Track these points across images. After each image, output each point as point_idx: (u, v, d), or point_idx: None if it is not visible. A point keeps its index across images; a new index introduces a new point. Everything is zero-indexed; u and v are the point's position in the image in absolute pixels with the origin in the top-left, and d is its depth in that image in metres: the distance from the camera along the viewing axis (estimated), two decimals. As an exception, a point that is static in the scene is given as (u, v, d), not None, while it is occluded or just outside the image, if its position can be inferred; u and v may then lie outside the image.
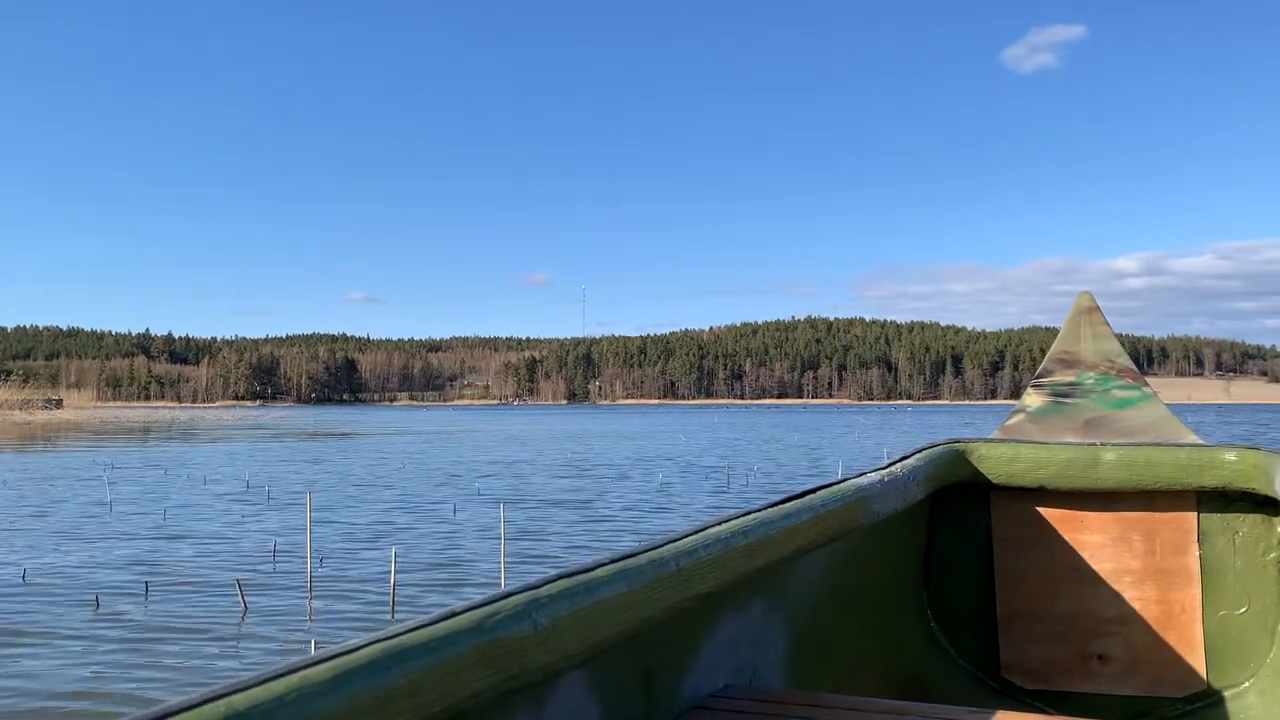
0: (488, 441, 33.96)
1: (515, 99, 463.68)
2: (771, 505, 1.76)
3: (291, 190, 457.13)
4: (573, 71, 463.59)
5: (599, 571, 1.25)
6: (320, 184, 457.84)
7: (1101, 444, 2.49)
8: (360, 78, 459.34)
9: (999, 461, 2.51)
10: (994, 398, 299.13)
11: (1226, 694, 2.35)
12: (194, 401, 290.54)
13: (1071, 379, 2.91)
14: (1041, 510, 2.52)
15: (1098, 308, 3.07)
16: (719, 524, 1.58)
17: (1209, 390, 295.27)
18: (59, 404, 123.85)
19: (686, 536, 1.48)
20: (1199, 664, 2.37)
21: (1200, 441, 2.51)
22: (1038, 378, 2.97)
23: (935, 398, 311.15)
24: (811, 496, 1.88)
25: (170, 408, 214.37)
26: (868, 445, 28.23)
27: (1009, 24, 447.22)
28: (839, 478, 2.10)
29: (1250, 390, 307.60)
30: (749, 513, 1.68)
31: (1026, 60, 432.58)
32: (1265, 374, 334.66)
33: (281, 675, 0.80)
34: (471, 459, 23.14)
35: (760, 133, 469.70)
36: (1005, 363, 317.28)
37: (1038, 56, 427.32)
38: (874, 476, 2.16)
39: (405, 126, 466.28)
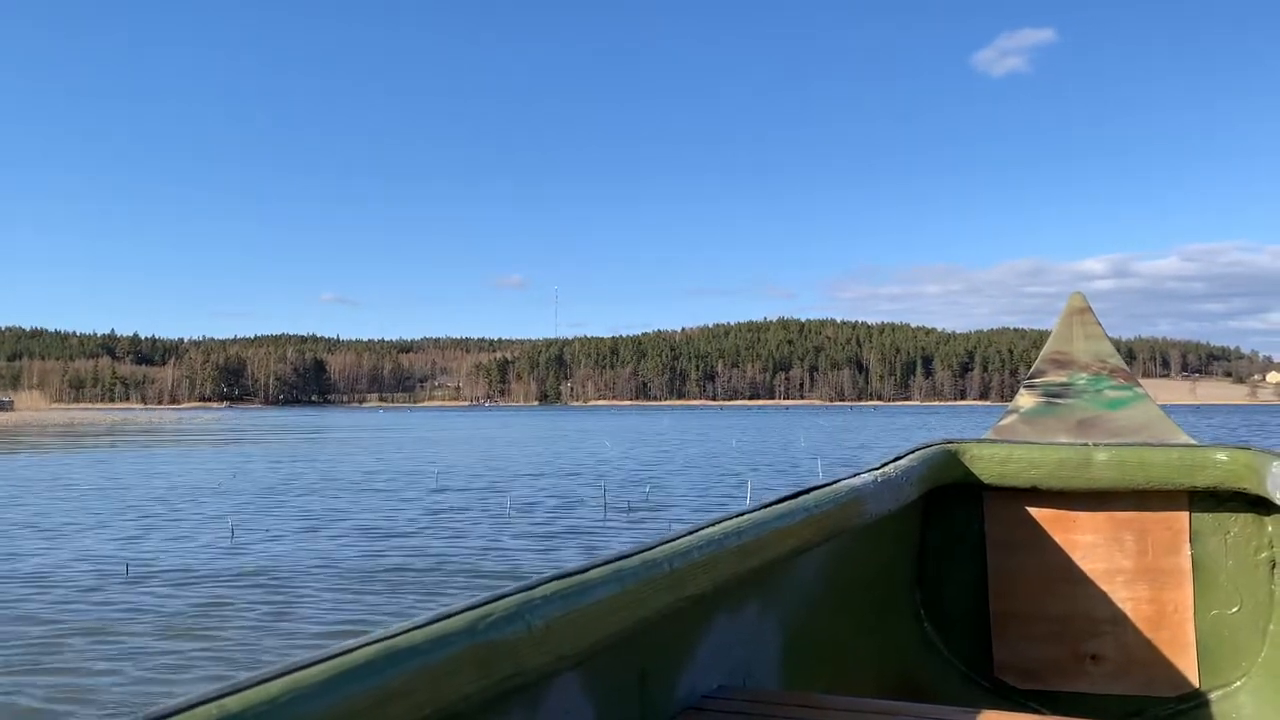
0: (393, 447, 32.80)
1: (490, 101, 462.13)
2: (765, 506, 1.77)
3: (265, 190, 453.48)
4: (547, 74, 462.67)
5: (593, 572, 1.25)
6: (295, 184, 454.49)
7: (1094, 444, 2.50)
8: (336, 79, 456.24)
9: (992, 462, 2.52)
10: (964, 398, 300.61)
11: (1219, 693, 2.36)
12: (159, 403, 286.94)
13: (1064, 379, 2.92)
14: (1034, 510, 2.53)
15: (1090, 309, 3.07)
16: (712, 525, 1.59)
17: (1175, 391, 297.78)
18: (10, 406, 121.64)
19: (680, 537, 1.49)
20: (1191, 664, 2.38)
21: (1192, 441, 2.52)
22: (1030, 378, 2.96)
23: (906, 398, 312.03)
24: (805, 497, 1.89)
25: (132, 409, 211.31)
26: (803, 455, 26.30)
27: (980, 27, 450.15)
28: (832, 478, 2.09)
29: (1215, 391, 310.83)
30: (743, 513, 1.68)
31: (997, 64, 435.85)
32: (1230, 375, 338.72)
33: (275, 677, 0.80)
34: (335, 472, 21.65)
35: (733, 135, 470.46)
36: (975, 364, 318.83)
37: (1008, 60, 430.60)
38: (867, 477, 2.18)
39: (381, 127, 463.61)
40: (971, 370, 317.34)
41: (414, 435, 43.38)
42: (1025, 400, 2.88)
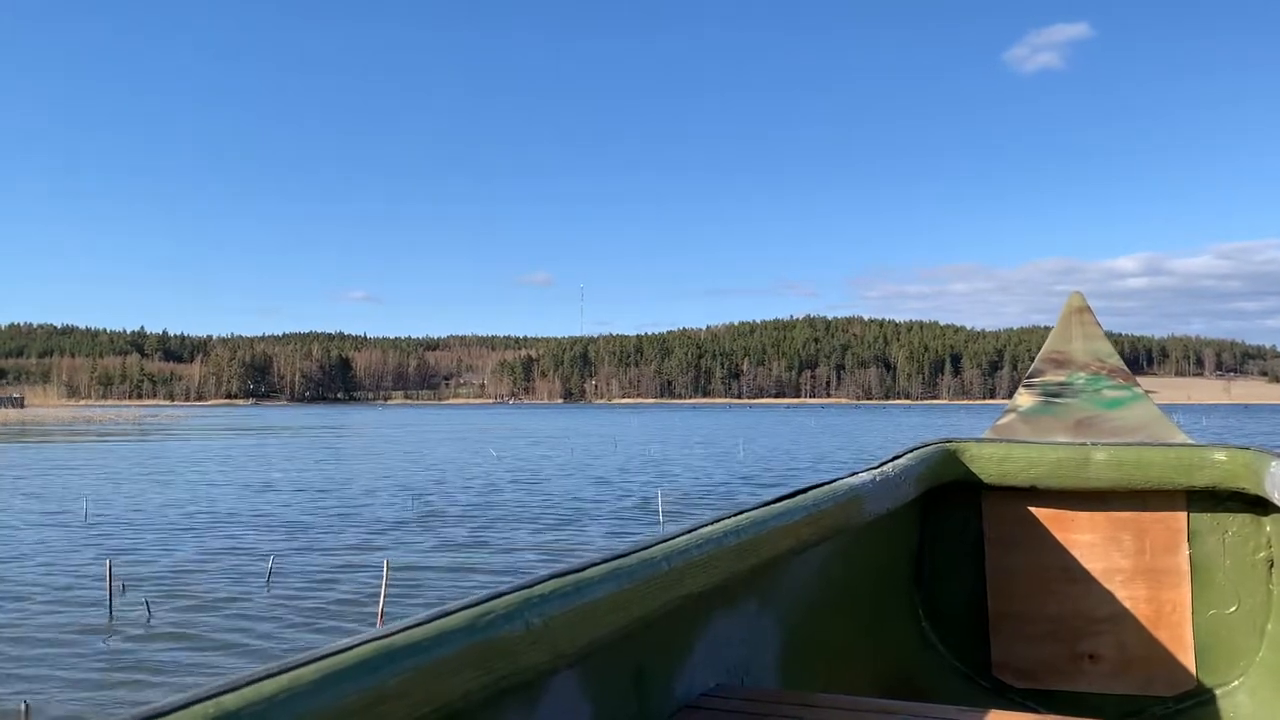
0: (333, 447, 31.61)
1: (516, 98, 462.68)
2: (764, 504, 1.77)
3: (294, 188, 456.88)
4: (573, 70, 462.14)
5: (591, 571, 1.25)
6: (323, 182, 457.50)
7: (1092, 444, 2.50)
8: (361, 76, 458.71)
9: (990, 461, 2.52)
10: (993, 397, 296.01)
11: (1217, 692, 2.36)
12: (186, 400, 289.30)
13: (1062, 379, 2.92)
14: (1033, 510, 2.53)
15: (1089, 308, 3.07)
16: (711, 523, 1.59)
17: (1209, 390, 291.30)
18: (20, 402, 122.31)
19: (679, 536, 1.48)
20: (1189, 663, 2.38)
21: (1190, 441, 2.53)
22: (1029, 377, 2.97)
23: (934, 397, 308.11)
24: (803, 496, 1.89)
25: (159, 406, 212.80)
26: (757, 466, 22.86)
27: (1012, 23, 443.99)
28: (831, 477, 2.10)
29: (1250, 390, 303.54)
30: (741, 512, 1.68)
31: (1029, 60, 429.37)
32: (1265, 374, 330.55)
33: (272, 675, 0.80)
34: (214, 481, 20.71)
35: (760, 132, 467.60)
36: (1004, 362, 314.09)
37: (1040, 56, 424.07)
38: (866, 476, 2.18)
39: (406, 124, 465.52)
40: (1001, 369, 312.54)
41: (349, 439, 40.93)
42: (1024, 399, 2.88)
